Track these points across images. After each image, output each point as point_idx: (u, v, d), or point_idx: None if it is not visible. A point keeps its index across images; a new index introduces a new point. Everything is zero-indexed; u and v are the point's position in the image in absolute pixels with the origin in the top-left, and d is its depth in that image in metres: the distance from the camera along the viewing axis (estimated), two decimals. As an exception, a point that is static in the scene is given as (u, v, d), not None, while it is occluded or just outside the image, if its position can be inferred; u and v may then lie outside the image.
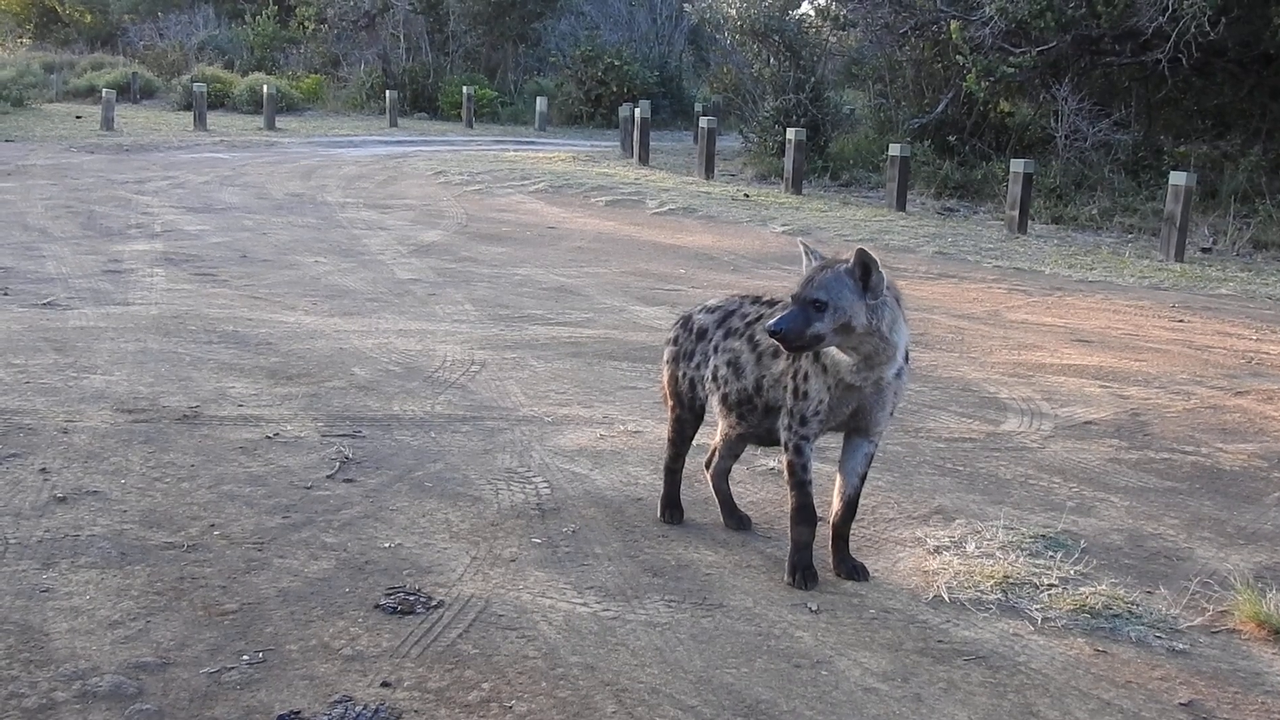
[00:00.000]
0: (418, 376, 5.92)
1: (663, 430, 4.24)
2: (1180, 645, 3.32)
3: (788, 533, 3.68)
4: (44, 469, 4.30)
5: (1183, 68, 14.80)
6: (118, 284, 8.07)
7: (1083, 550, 3.94)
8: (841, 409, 3.52)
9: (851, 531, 3.75)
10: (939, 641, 3.28)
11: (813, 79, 19.98)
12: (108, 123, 22.42)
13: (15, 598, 3.27)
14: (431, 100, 31.17)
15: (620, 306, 8.14)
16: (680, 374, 3.95)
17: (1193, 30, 14.15)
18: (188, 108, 25.94)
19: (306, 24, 33.92)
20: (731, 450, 4.08)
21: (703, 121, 19.06)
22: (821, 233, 12.62)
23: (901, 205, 15.24)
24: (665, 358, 4.03)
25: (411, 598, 3.37)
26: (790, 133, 16.96)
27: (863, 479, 3.68)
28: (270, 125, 24.66)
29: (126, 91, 29.46)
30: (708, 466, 4.15)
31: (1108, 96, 17.14)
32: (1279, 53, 15.00)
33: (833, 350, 3.41)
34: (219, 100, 28.40)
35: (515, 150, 22.18)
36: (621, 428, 5.19)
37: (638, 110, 20.83)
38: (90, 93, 28.99)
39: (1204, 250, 12.71)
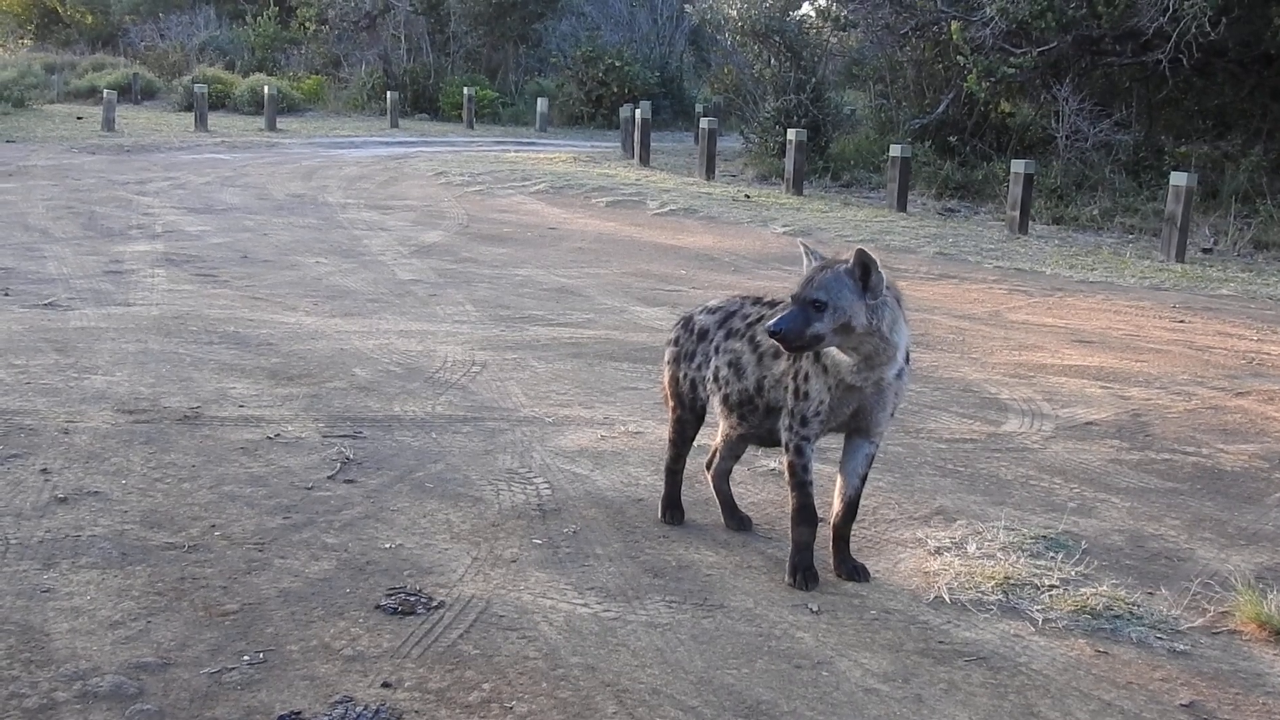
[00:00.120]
0: (418, 377, 5.92)
1: (663, 431, 4.24)
2: (1181, 646, 3.32)
3: (788, 533, 3.68)
4: (45, 469, 4.30)
5: (1183, 68, 14.79)
6: (119, 285, 8.08)
7: (1084, 551, 3.94)
8: (842, 409, 3.52)
9: (852, 532, 3.75)
10: (940, 642, 3.28)
11: (813, 80, 19.98)
12: (109, 123, 22.43)
13: (16, 598, 3.27)
14: (432, 101, 31.18)
15: (621, 307, 8.14)
16: (681, 375, 3.95)
17: (1193, 30, 14.15)
18: (189, 108, 25.96)
19: (307, 25, 33.95)
20: (732, 451, 4.08)
21: (703, 122, 19.06)
22: (822, 233, 12.62)
23: (902, 206, 15.24)
24: (666, 358, 4.03)
25: (412, 598, 3.37)
26: (791, 133, 16.96)
27: (863, 480, 3.68)
28: (271, 126, 24.67)
29: (127, 92, 29.47)
30: (708, 467, 4.15)
31: (1108, 97, 17.14)
32: (1280, 53, 15.02)
33: (833, 351, 3.41)
34: (220, 101, 28.42)
35: (516, 151, 22.18)
36: (622, 428, 5.19)
37: (638, 111, 20.83)
38: (91, 93, 29.01)
39: (1205, 251, 12.70)
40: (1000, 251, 12.11)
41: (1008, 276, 10.54)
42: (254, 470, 4.42)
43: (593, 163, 20.25)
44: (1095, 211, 14.84)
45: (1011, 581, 3.65)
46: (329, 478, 4.37)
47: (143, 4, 38.68)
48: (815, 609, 3.44)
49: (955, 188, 16.89)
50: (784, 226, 13.24)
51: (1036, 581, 3.66)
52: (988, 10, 15.93)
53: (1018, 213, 13.58)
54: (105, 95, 23.45)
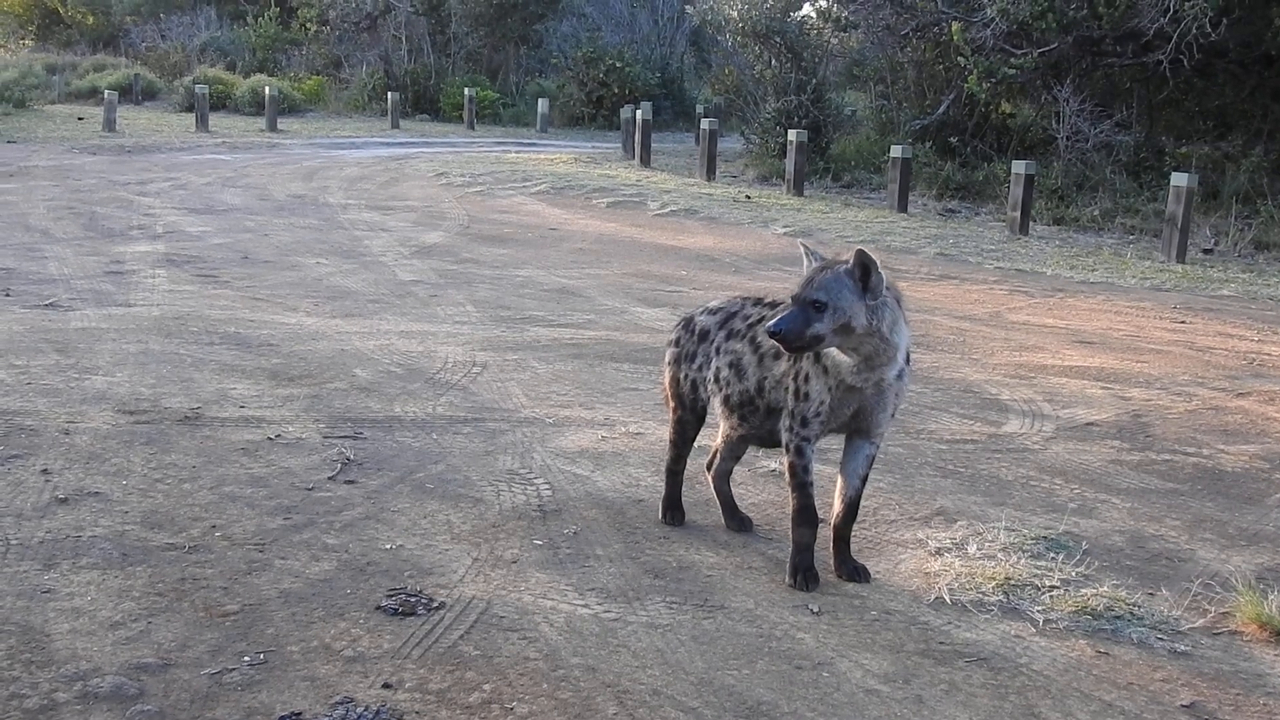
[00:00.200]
0: (419, 378, 5.92)
1: (664, 432, 4.24)
2: (1182, 647, 3.32)
3: (789, 534, 3.68)
4: (45, 470, 4.30)
5: (1184, 69, 14.79)
6: (119, 285, 8.08)
7: (1084, 552, 3.94)
8: (842, 410, 3.52)
9: (853, 533, 3.75)
10: (940, 643, 3.28)
11: (814, 80, 19.98)
12: (109, 124, 22.45)
13: (17, 598, 3.27)
14: (433, 102, 31.19)
15: (622, 308, 8.14)
16: (682, 375, 3.95)
17: (1194, 31, 14.14)
18: (189, 109, 25.97)
19: (308, 25, 33.96)
20: (733, 452, 4.08)
21: (704, 123, 19.05)
22: (823, 234, 12.62)
23: (903, 207, 15.24)
24: (667, 359, 4.03)
25: (413, 599, 3.37)
26: (792, 134, 16.96)
27: (864, 480, 3.68)
28: (272, 127, 24.68)
29: (128, 93, 29.49)
30: (709, 468, 4.15)
31: (1109, 97, 17.14)
32: (1280, 54, 15.01)
33: (833, 351, 3.41)
34: (221, 102, 28.43)
35: (517, 152, 22.19)
36: (623, 429, 5.19)
37: (639, 112, 20.83)
38: (92, 94, 29.02)
39: (1205, 251, 12.70)
40: (1001, 252, 12.11)
41: (1008, 277, 10.54)
42: (254, 471, 4.42)
43: (593, 163, 20.25)
44: (1096, 212, 14.84)
45: (1012, 582, 3.65)
46: (329, 478, 4.37)
47: (144, 5, 38.70)
48: (816, 610, 3.44)
49: (956, 188, 16.89)
50: (785, 227, 13.24)
51: (1037, 582, 3.66)
52: (988, 11, 15.93)
53: (1018, 213, 13.58)
54: (106, 96, 23.46)
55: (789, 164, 16.98)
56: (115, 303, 7.47)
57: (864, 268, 3.29)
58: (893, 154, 15.53)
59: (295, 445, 4.74)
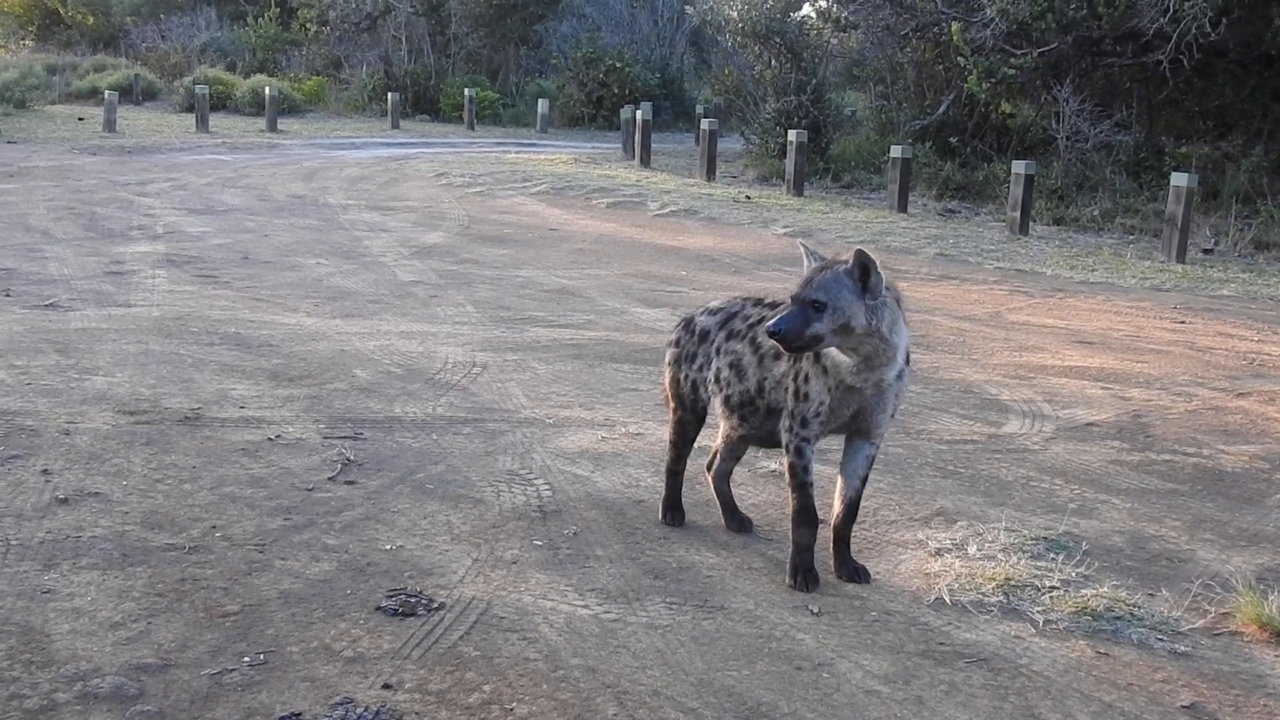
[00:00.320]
0: (419, 378, 5.92)
1: (664, 432, 4.24)
2: (1182, 648, 3.32)
3: (789, 535, 3.67)
4: (46, 470, 4.30)
5: (1184, 69, 14.79)
6: (120, 285, 8.08)
7: (1084, 552, 3.94)
8: (842, 411, 3.52)
9: (853, 534, 3.75)
10: (940, 644, 3.28)
11: (814, 81, 19.98)
12: (110, 124, 22.45)
13: (17, 599, 3.27)
14: (433, 102, 31.19)
15: (622, 308, 8.14)
16: (682, 376, 3.95)
17: (1194, 31, 14.14)
18: (190, 109, 25.97)
19: (308, 26, 33.96)
20: (733, 452, 4.08)
21: (704, 123, 19.05)
22: (823, 234, 12.62)
23: (903, 207, 15.24)
24: (667, 360, 4.04)
25: (413, 600, 3.37)
26: (791, 134, 16.96)
27: (864, 481, 3.68)
28: (272, 127, 24.68)
29: (129, 93, 29.49)
30: (709, 469, 4.15)
31: (1109, 97, 17.14)
32: (1280, 54, 15.01)
33: (833, 352, 3.41)
34: (221, 102, 28.44)
35: (517, 152, 22.19)
36: (623, 430, 5.19)
37: (639, 112, 20.83)
38: (92, 94, 29.03)
39: (1205, 251, 12.70)
40: (1001, 252, 12.11)
41: (1008, 277, 10.54)
42: (255, 471, 4.42)
43: (593, 164, 20.25)
44: (1096, 212, 14.84)
45: (1012, 583, 3.65)
46: (329, 479, 4.37)
47: (144, 5, 38.72)
48: (816, 610, 3.44)
49: (956, 189, 16.89)
50: (784, 228, 13.24)
51: (1037, 583, 3.66)
52: (988, 11, 15.93)
53: (1018, 214, 13.58)
54: (106, 96, 23.47)
55: (789, 164, 16.98)
56: (115, 303, 7.48)
57: (863, 268, 3.29)
58: (892, 154, 15.54)
59: (295, 446, 4.75)
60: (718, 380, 3.81)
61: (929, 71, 19.18)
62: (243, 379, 5.73)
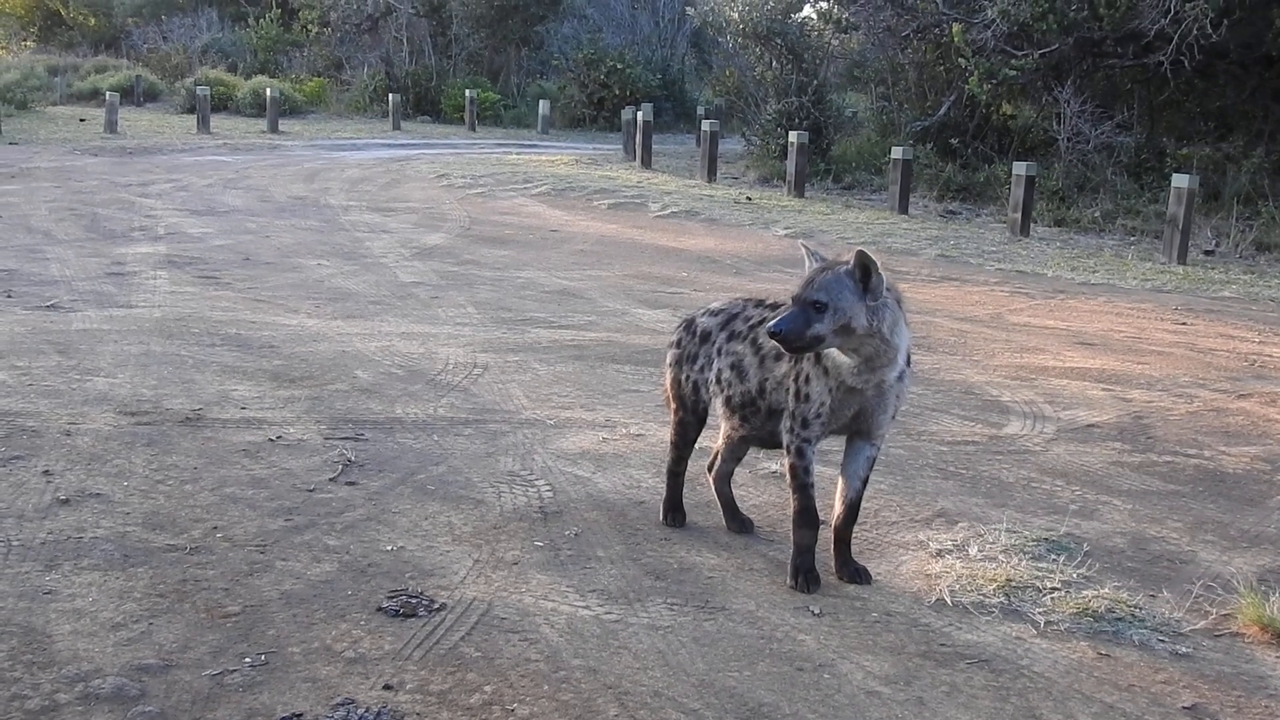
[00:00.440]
0: (420, 379, 5.92)
1: (665, 433, 4.24)
2: (1183, 649, 3.31)
3: (790, 536, 3.67)
4: (47, 471, 4.30)
5: (1185, 70, 14.79)
6: (121, 286, 8.09)
7: (1085, 553, 3.94)
8: (843, 411, 3.52)
9: (854, 535, 3.74)
10: (941, 645, 3.28)
11: (815, 82, 19.99)
12: (111, 125, 22.47)
13: (18, 599, 3.27)
14: (434, 103, 31.21)
15: (623, 309, 8.14)
16: (683, 377, 3.95)
17: (1195, 32, 14.15)
18: (191, 110, 26.00)
19: (309, 27, 33.98)
20: (734, 453, 4.08)
21: (705, 124, 19.06)
22: (824, 235, 12.62)
23: (904, 208, 15.24)
24: (668, 361, 4.04)
25: (414, 600, 3.37)
26: (792, 136, 16.96)
27: (865, 482, 3.68)
28: (273, 128, 24.70)
29: (130, 94, 29.52)
30: (710, 470, 4.15)
31: (1110, 99, 17.14)
32: (1281, 55, 15.00)
33: (834, 352, 3.41)
34: (222, 103, 28.46)
35: (518, 153, 22.20)
36: (624, 431, 5.19)
37: (640, 113, 20.84)
38: (94, 95, 29.04)
39: (1206, 253, 12.69)
40: (1002, 254, 12.11)
41: (1009, 279, 10.54)
42: (256, 472, 4.42)
43: (594, 165, 20.26)
44: (1097, 214, 14.84)
45: (1013, 584, 3.65)
46: (331, 480, 4.37)
47: (145, 6, 38.74)
48: (817, 611, 3.44)
49: (957, 190, 16.89)
50: (785, 229, 13.24)
51: (1038, 584, 3.66)
52: (989, 12, 15.93)
53: (1019, 215, 13.58)
54: (108, 97, 23.48)
55: (790, 165, 16.98)
56: (117, 304, 7.48)
57: (864, 269, 3.29)
58: (894, 155, 15.54)
59: (296, 447, 4.75)
60: (719, 381, 3.81)
61: (930, 73, 19.18)
62: (244, 380, 5.73)
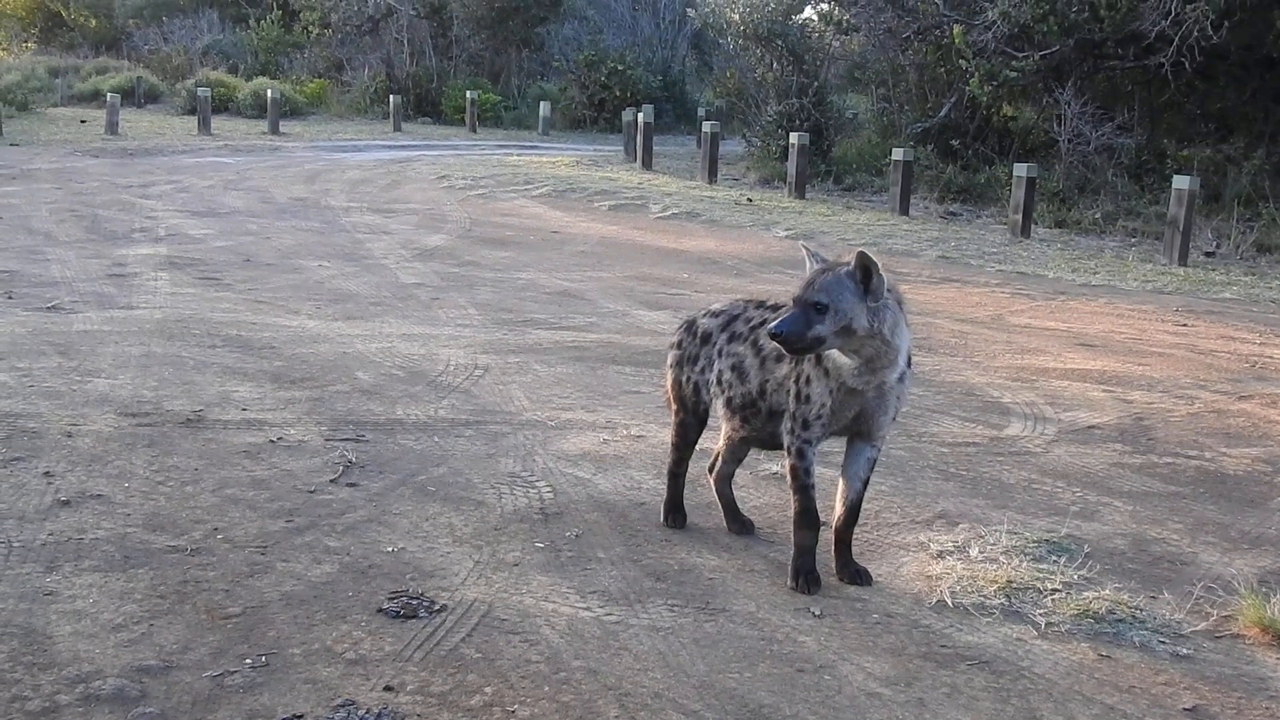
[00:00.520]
0: (421, 381, 5.92)
1: (666, 434, 4.24)
2: (1184, 650, 3.31)
3: (790, 537, 3.67)
4: (48, 472, 4.30)
5: (1185, 71, 14.79)
6: (122, 288, 8.09)
7: (1086, 555, 3.94)
8: (844, 413, 3.52)
9: (854, 536, 3.74)
10: (942, 646, 3.27)
11: (816, 83, 19.99)
12: (112, 127, 22.47)
13: (19, 601, 3.27)
14: (435, 105, 31.22)
15: (623, 311, 8.14)
16: (684, 378, 3.95)
17: (1195, 34, 14.15)
18: (192, 112, 26.01)
19: (310, 29, 33.97)
20: (735, 454, 4.08)
21: (706, 126, 19.07)
22: (824, 237, 12.62)
23: (905, 209, 15.24)
24: (669, 362, 4.04)
25: (414, 602, 3.37)
26: (793, 137, 16.97)
27: (865, 484, 3.68)
28: (274, 130, 24.70)
29: (131, 96, 29.53)
30: (711, 471, 4.15)
31: (1110, 100, 17.14)
32: (1282, 56, 15.00)
33: (835, 354, 3.41)
34: (223, 105, 28.46)
35: (519, 155, 22.21)
36: (625, 432, 5.19)
37: (641, 115, 20.84)
38: (95, 97, 29.04)
39: (1207, 254, 12.69)
40: (1003, 255, 12.11)
41: (1010, 280, 10.54)
42: (256, 473, 4.42)
43: (595, 166, 20.26)
44: (1098, 215, 14.84)
45: (1014, 585, 3.65)
46: (331, 481, 4.37)
47: (146, 8, 38.75)
48: (817, 613, 3.44)
49: (957, 191, 16.90)
50: (786, 230, 13.25)
51: (1039, 585, 3.66)
52: (990, 14, 15.94)
53: (1020, 216, 13.58)
54: (109, 99, 23.49)
55: (790, 167, 16.99)
56: (118, 305, 7.48)
57: (865, 270, 3.29)
58: (894, 157, 15.55)
59: (297, 448, 4.75)
60: (719, 382, 3.81)
61: (930, 74, 19.18)
62: (245, 381, 5.73)
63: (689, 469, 4.11)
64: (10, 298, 7.56)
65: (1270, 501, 4.67)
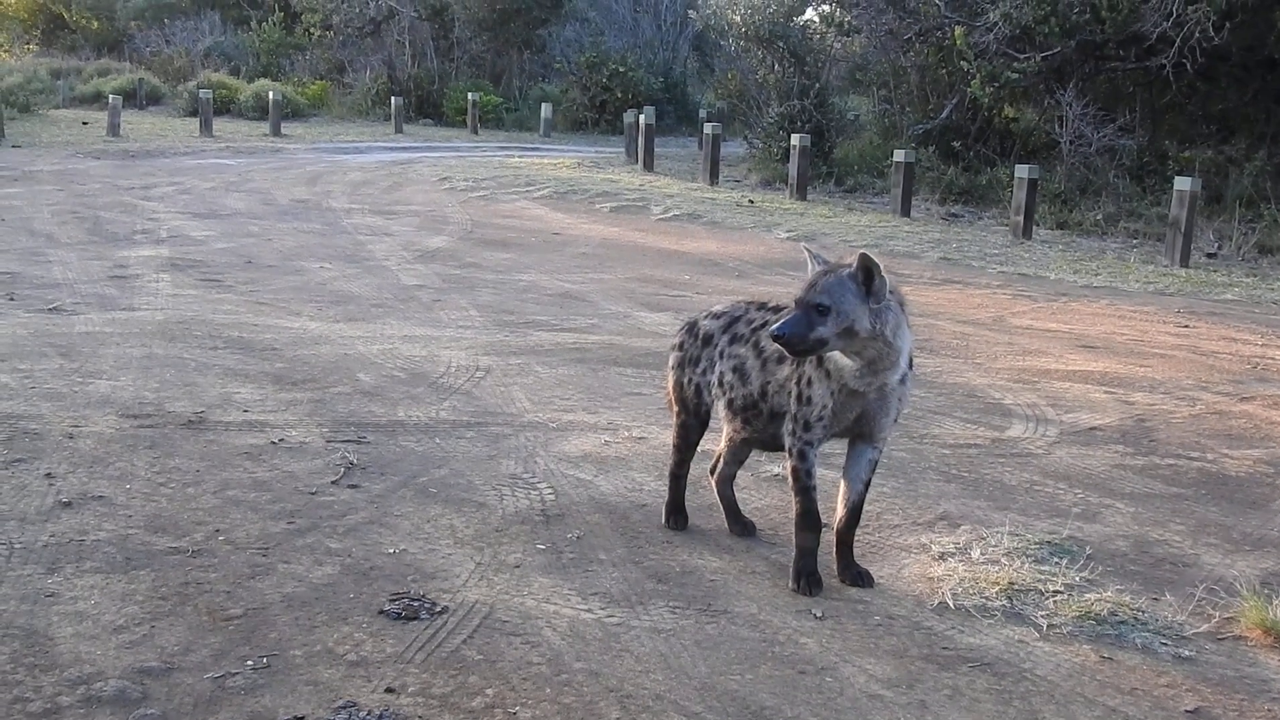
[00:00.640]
0: (422, 382, 5.92)
1: (667, 436, 4.24)
2: (1186, 652, 3.31)
3: (792, 539, 3.67)
4: (49, 474, 4.30)
5: (1187, 73, 14.79)
6: (123, 289, 8.09)
7: (1088, 557, 3.93)
8: (845, 414, 3.52)
9: (856, 538, 3.74)
10: (944, 648, 3.27)
11: (817, 85, 20.00)
12: (114, 129, 22.49)
13: (20, 602, 3.27)
14: (436, 106, 31.23)
15: (625, 312, 8.14)
16: (686, 380, 3.95)
17: (1197, 35, 14.14)
18: (194, 114, 26.05)
19: (312, 30, 34.01)
20: (736, 456, 4.08)
21: (707, 127, 19.07)
22: (826, 238, 12.62)
23: (906, 211, 15.24)
24: (670, 363, 4.04)
25: (416, 603, 3.37)
26: (795, 139, 16.97)
27: (867, 485, 3.68)
28: (276, 131, 24.72)
29: (133, 98, 29.57)
30: (712, 473, 4.15)
31: (1112, 102, 17.13)
32: (1284, 58, 15.00)
33: (836, 355, 3.41)
34: (225, 106, 28.48)
35: (520, 156, 22.21)
36: (626, 434, 5.19)
37: (642, 116, 20.85)
38: (97, 99, 29.08)
39: (1209, 255, 12.69)
40: (1004, 256, 12.11)
41: (1012, 281, 10.53)
42: (258, 475, 4.42)
43: (597, 168, 20.27)
44: (1099, 216, 14.83)
45: (1016, 587, 3.65)
46: (333, 483, 4.37)
47: (148, 10, 38.79)
48: (819, 614, 3.44)
49: (959, 193, 16.90)
50: (788, 232, 13.24)
51: (1041, 587, 3.66)
52: (991, 15, 15.94)
53: (1022, 218, 13.58)
54: (110, 100, 23.52)
55: (792, 168, 16.99)
56: (119, 307, 7.49)
57: (867, 271, 3.29)
58: (896, 158, 15.55)
59: (299, 450, 4.75)
60: (721, 384, 3.81)
61: (932, 76, 19.18)
62: (246, 383, 5.73)
63: (690, 471, 4.11)
64: (12, 299, 7.57)
65: (1272, 503, 4.66)
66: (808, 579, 3.59)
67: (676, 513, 4.09)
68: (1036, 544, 4.01)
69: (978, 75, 16.07)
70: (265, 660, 3.01)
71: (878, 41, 19.72)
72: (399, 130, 26.93)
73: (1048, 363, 7.08)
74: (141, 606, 3.28)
